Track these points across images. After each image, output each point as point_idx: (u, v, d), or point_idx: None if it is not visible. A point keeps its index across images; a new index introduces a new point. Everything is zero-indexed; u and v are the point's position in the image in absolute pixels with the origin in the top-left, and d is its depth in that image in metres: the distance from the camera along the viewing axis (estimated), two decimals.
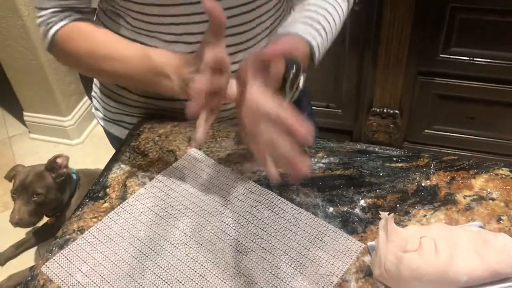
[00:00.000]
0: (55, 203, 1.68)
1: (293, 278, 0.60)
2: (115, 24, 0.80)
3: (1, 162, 1.76)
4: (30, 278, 0.64)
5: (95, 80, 0.94)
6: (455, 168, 0.72)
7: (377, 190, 0.70)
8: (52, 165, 1.63)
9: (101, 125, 0.97)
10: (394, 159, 0.74)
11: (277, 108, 0.53)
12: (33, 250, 1.90)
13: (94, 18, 0.83)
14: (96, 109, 0.97)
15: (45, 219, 1.79)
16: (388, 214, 0.59)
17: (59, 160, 1.64)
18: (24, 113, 2.38)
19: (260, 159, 0.55)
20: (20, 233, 1.91)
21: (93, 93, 0.97)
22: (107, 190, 0.74)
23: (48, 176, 1.63)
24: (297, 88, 0.68)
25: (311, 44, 0.73)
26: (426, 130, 1.81)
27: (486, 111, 1.68)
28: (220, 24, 0.57)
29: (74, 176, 1.76)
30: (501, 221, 0.64)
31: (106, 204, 0.72)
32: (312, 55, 0.74)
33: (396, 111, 1.75)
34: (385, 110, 1.76)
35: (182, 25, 0.75)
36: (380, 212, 0.64)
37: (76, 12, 0.74)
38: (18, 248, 1.87)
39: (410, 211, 0.66)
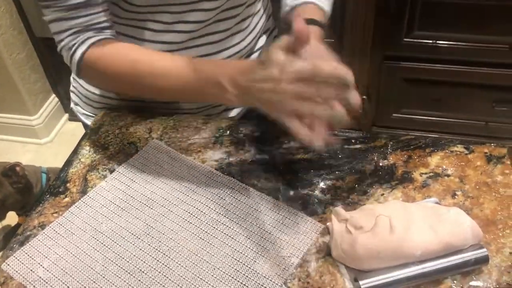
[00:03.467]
0: (17, 205, 1.65)
1: (255, 261, 0.61)
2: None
3: None
4: None
5: (73, 74, 0.88)
6: (411, 147, 0.73)
7: (336, 172, 0.71)
8: (8, 173, 1.59)
9: (83, 121, 0.94)
10: (353, 141, 0.76)
11: (340, 67, 0.55)
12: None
13: None
14: (76, 104, 0.94)
15: (16, 220, 1.76)
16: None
17: (18, 169, 1.60)
18: None
19: (295, 126, 0.54)
20: None
21: (72, 88, 0.94)
22: (68, 184, 0.73)
23: (5, 181, 1.59)
24: None
25: (326, 12, 0.78)
26: (394, 114, 1.83)
27: (451, 92, 1.71)
28: (304, 42, 0.56)
29: (44, 175, 1.73)
30: (456, 196, 0.66)
31: (67, 199, 0.71)
32: (327, 21, 0.79)
33: (364, 97, 1.77)
34: None
35: (173, 14, 0.74)
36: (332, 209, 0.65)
37: (98, 30, 0.70)
38: None
39: (368, 190, 0.68)
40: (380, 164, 0.71)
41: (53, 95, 2.37)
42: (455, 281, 0.56)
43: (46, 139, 2.33)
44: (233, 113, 0.92)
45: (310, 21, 0.73)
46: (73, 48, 0.69)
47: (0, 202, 1.58)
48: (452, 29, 1.55)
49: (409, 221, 0.57)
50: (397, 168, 0.70)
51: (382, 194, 0.67)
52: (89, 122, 0.93)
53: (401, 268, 0.56)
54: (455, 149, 0.73)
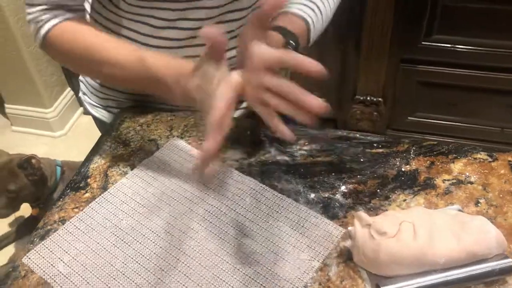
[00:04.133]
0: (32, 197, 1.66)
1: (275, 263, 0.61)
2: (106, 10, 0.78)
3: None
4: (11, 269, 0.64)
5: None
6: (434, 153, 0.73)
7: (358, 176, 0.70)
8: (24, 165, 1.60)
9: (89, 110, 0.95)
10: (375, 145, 0.75)
11: (285, 52, 0.53)
12: (19, 243, 1.88)
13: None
14: (84, 93, 0.96)
15: (30, 211, 1.78)
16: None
17: (34, 161, 1.61)
18: (6, 105, 2.35)
19: (267, 117, 0.55)
20: (4, 226, 1.90)
21: (80, 77, 0.96)
22: (88, 180, 0.74)
23: (21, 173, 1.60)
24: None
25: (307, 21, 0.74)
26: (409, 117, 1.82)
27: (468, 97, 1.70)
28: (219, 43, 0.55)
29: (59, 168, 1.74)
30: (479, 204, 0.65)
31: (87, 194, 0.72)
32: (308, 32, 0.74)
33: (380, 99, 1.76)
34: (368, 98, 1.77)
35: (176, 11, 0.74)
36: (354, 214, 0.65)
37: (67, 10, 0.72)
38: (2, 242, 1.85)
39: (390, 196, 0.67)
40: (403, 169, 0.71)
41: (69, 89, 2.38)
42: None
43: (61, 132, 2.35)
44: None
45: (277, 28, 0.67)
46: (41, 23, 0.71)
47: (14, 193, 1.59)
48: (471, 33, 1.53)
49: (432, 228, 0.57)
50: (420, 174, 0.70)
51: (404, 200, 0.66)
52: (95, 112, 0.94)
53: (424, 276, 0.56)
54: (478, 156, 0.72)
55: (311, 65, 0.51)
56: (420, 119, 1.81)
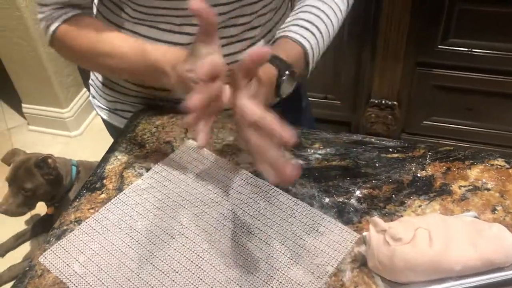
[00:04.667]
0: (47, 196, 1.69)
1: (289, 268, 0.61)
2: (112, 14, 0.79)
3: (0, 154, 1.76)
4: (28, 268, 0.64)
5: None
6: (450, 158, 0.72)
7: (373, 181, 0.70)
8: (40, 165, 1.62)
9: (98, 113, 0.97)
10: (390, 149, 0.75)
11: (260, 114, 0.53)
12: (34, 241, 1.91)
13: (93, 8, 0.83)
14: (93, 97, 0.97)
15: (45, 210, 1.80)
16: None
17: (50, 161, 1.63)
18: (23, 105, 2.38)
19: (254, 159, 0.56)
20: (20, 224, 1.92)
21: (90, 81, 0.98)
22: (104, 181, 0.74)
23: (37, 172, 1.62)
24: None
25: (304, 46, 0.73)
26: (424, 121, 1.81)
27: (484, 102, 1.68)
28: (210, 25, 0.56)
29: (74, 168, 1.76)
30: (495, 211, 0.64)
31: (103, 195, 0.72)
32: (306, 57, 0.74)
33: (395, 102, 1.75)
34: (383, 102, 1.76)
35: (180, 17, 0.74)
36: (368, 219, 0.64)
37: (75, 8, 0.75)
38: (18, 240, 1.88)
39: (406, 201, 0.67)
40: (418, 174, 0.70)
41: (84, 89, 2.41)
42: None
43: (76, 132, 2.37)
44: None
45: (270, 58, 0.68)
46: (50, 21, 0.74)
47: (31, 192, 1.61)
48: (489, 37, 1.52)
49: (448, 235, 0.56)
50: (436, 180, 0.69)
51: (420, 206, 0.66)
52: (104, 115, 0.95)
53: (439, 283, 0.55)
54: (495, 162, 0.71)
55: (283, 133, 0.52)
56: (435, 123, 1.80)
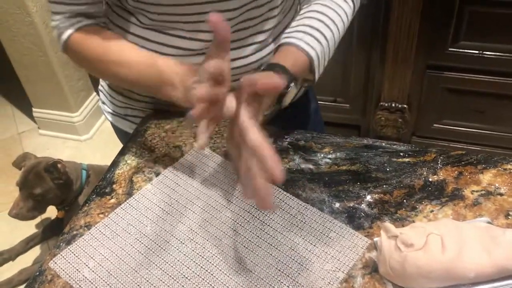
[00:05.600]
0: (57, 200, 1.69)
1: (299, 273, 0.60)
2: (121, 19, 0.80)
3: (11, 158, 1.77)
4: (38, 273, 0.65)
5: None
6: (462, 163, 0.71)
7: (384, 186, 0.69)
8: (50, 169, 1.63)
9: (108, 119, 0.97)
10: (401, 154, 0.74)
11: (259, 142, 0.54)
12: (44, 245, 1.91)
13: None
14: (103, 102, 0.97)
15: (55, 214, 1.81)
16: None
17: (59, 166, 1.64)
18: (33, 109, 2.40)
19: (240, 178, 0.58)
20: (31, 228, 1.93)
21: (100, 87, 0.98)
22: (114, 186, 0.74)
23: (47, 177, 1.63)
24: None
25: (310, 55, 0.73)
26: (434, 125, 1.79)
27: (495, 105, 1.66)
28: (225, 39, 0.56)
29: (85, 172, 1.77)
30: (509, 217, 0.63)
31: (112, 200, 0.72)
32: (312, 65, 0.74)
33: (405, 106, 1.74)
34: (393, 105, 1.75)
35: (191, 23, 0.74)
36: (379, 224, 0.64)
37: (87, 17, 0.76)
38: (29, 243, 1.89)
39: (417, 206, 0.66)
40: (430, 179, 0.69)
41: (94, 93, 2.42)
42: None
43: (86, 136, 2.39)
44: None
45: (275, 66, 0.68)
46: (62, 29, 0.76)
47: (40, 196, 1.62)
48: (500, 39, 1.50)
49: (461, 241, 0.55)
50: (448, 184, 0.68)
51: (432, 211, 0.65)
52: (113, 120, 0.96)
53: None
54: (508, 167, 0.70)
55: (275, 170, 0.52)
56: (446, 127, 1.78)
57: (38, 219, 1.89)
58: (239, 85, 0.59)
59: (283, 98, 0.71)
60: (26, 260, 1.85)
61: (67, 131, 2.39)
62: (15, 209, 1.62)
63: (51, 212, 1.80)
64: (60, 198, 1.69)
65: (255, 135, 0.55)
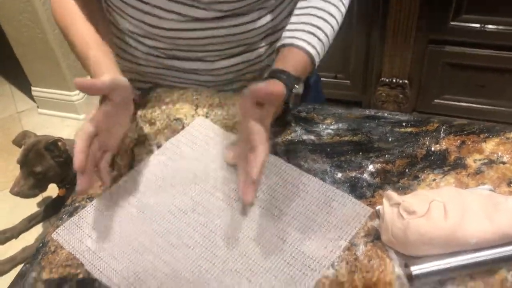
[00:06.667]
0: (58, 178, 1.69)
1: (302, 242, 0.60)
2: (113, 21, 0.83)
3: (10, 138, 1.77)
4: (41, 245, 0.65)
5: None
6: (465, 132, 0.71)
7: (386, 155, 0.69)
8: (50, 148, 1.63)
9: None
10: (404, 124, 0.74)
11: (257, 155, 0.60)
12: (46, 223, 1.92)
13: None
14: None
15: (56, 192, 1.81)
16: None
17: (60, 144, 1.63)
18: (32, 88, 2.39)
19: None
20: (32, 206, 1.94)
21: None
22: (115, 158, 0.74)
23: (47, 155, 1.63)
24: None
25: (311, 54, 0.72)
26: (435, 100, 1.79)
27: (497, 79, 1.65)
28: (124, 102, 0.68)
29: None
30: (511, 185, 0.63)
31: (114, 172, 0.72)
32: (313, 61, 0.73)
33: (405, 81, 1.73)
34: (394, 80, 1.74)
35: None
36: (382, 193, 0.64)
37: None
38: (31, 222, 1.89)
39: (420, 175, 0.66)
40: (432, 148, 0.69)
41: None
42: (511, 272, 0.54)
43: (85, 115, 2.37)
44: None
45: (279, 72, 0.69)
46: None
47: (41, 174, 1.62)
48: (502, 13, 1.49)
49: (464, 208, 0.55)
50: (450, 154, 0.68)
51: (434, 180, 0.65)
52: None
53: (454, 256, 0.54)
54: (511, 135, 0.70)
55: (252, 172, 0.59)
56: (447, 102, 1.78)
57: (39, 198, 1.90)
58: (244, 94, 0.62)
59: (289, 99, 0.72)
60: (29, 238, 1.86)
61: (66, 110, 2.38)
62: (16, 187, 1.62)
63: (53, 190, 1.81)
64: (60, 176, 1.69)
65: (259, 150, 0.61)
